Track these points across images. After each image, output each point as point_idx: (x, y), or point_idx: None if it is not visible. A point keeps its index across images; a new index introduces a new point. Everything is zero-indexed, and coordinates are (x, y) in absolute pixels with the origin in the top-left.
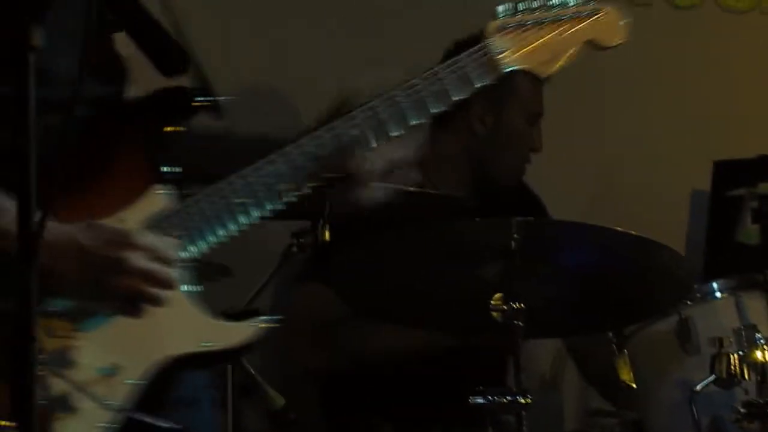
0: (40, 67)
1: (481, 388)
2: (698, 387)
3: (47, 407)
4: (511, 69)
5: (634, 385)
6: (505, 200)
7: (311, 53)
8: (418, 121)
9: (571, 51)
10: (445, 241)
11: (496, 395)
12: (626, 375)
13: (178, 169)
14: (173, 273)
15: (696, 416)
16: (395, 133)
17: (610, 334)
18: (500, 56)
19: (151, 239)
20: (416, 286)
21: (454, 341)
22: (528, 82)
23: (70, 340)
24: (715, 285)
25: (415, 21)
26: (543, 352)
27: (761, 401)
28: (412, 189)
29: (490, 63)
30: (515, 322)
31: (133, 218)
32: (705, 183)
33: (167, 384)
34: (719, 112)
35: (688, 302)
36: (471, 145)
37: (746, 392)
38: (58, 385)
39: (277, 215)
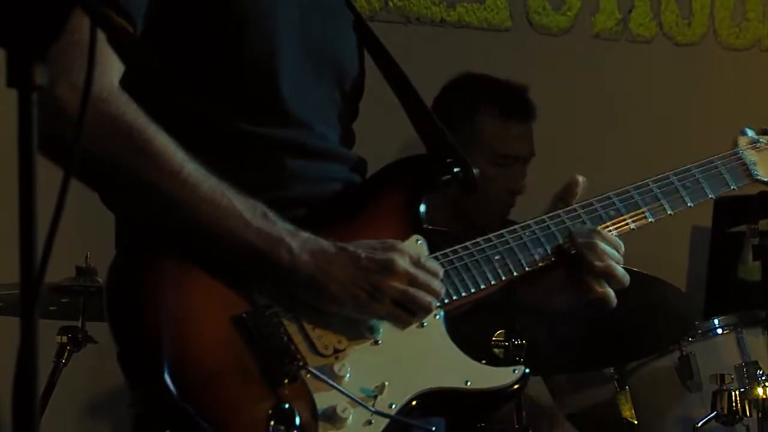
0: (294, 116)
1: (482, 425)
2: (699, 424)
3: (315, 416)
4: (763, 180)
5: (635, 422)
6: None
7: None
8: (671, 210)
9: None
10: None
11: None
12: (627, 411)
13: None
14: (439, 283)
15: None
16: (650, 219)
17: (612, 371)
18: (752, 166)
19: (414, 251)
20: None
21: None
22: (492, 123)
23: (335, 360)
24: (716, 322)
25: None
26: (544, 389)
27: None
28: None
29: (743, 170)
30: (517, 358)
31: None
32: (706, 219)
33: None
34: (720, 147)
35: (690, 339)
36: None
37: (747, 429)
38: (324, 398)
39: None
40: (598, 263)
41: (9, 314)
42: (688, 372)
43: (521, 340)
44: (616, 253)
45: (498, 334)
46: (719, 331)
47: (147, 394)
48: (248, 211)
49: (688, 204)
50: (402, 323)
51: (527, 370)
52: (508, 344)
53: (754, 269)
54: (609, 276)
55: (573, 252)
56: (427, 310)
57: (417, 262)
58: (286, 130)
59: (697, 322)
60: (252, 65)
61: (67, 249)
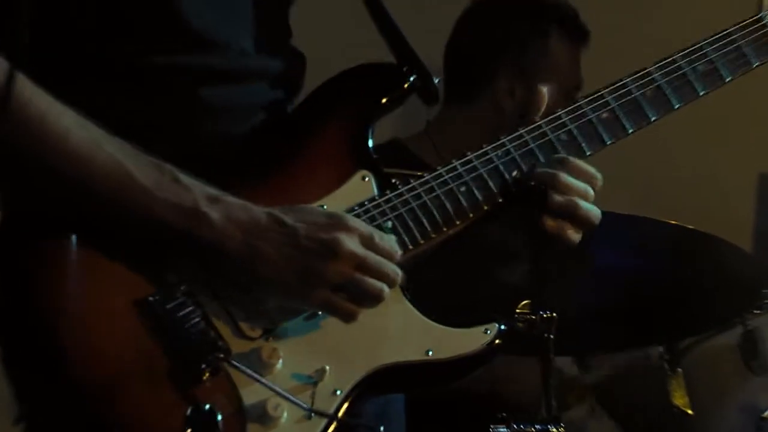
0: (203, 36)
1: (503, 415)
2: (766, 413)
3: (242, 416)
4: None
5: (690, 411)
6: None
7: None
8: (680, 105)
9: None
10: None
11: (522, 424)
12: (680, 399)
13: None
14: (394, 267)
15: None
16: (653, 119)
17: (661, 350)
18: None
19: (368, 227)
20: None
21: None
22: (565, 48)
23: (265, 343)
24: None
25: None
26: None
27: None
28: None
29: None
30: (545, 334)
31: (335, 206)
32: None
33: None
34: (753, 86)
35: (755, 311)
36: (497, 123)
37: None
38: (253, 392)
39: None
40: (557, 198)
41: None
42: (752, 351)
43: (550, 313)
44: (587, 188)
45: (522, 306)
46: None
47: (40, 404)
48: (152, 179)
49: (699, 92)
50: (344, 316)
51: (503, 327)
52: (535, 317)
53: None
54: (569, 214)
55: (531, 184)
56: (376, 299)
57: (369, 242)
58: (195, 55)
59: (764, 291)
60: None
61: None
